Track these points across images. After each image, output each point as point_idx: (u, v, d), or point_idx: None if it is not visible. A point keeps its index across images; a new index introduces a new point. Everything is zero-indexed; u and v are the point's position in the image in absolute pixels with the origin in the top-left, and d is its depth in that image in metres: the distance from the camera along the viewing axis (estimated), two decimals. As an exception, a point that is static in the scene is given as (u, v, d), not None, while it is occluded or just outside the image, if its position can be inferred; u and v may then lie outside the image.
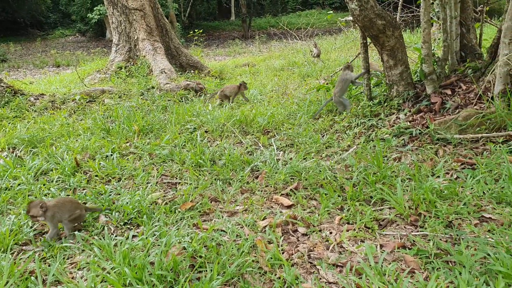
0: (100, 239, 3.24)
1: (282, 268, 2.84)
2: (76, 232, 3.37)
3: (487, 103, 4.99)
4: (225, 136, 5.78)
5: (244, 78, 10.14)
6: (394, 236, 3.15)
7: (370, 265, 2.70)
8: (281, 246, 3.14)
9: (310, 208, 3.71)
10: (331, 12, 11.65)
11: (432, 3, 7.05)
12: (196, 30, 14.23)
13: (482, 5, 7.18)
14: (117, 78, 9.79)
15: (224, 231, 3.38)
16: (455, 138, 4.73)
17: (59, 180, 4.50)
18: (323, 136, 5.51)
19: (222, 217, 3.63)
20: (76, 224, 3.48)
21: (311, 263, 2.92)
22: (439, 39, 6.57)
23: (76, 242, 3.28)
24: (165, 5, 23.13)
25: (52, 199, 3.71)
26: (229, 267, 2.80)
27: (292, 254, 3.03)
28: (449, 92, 5.68)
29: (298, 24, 21.39)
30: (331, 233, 3.27)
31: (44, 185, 4.35)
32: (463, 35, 6.36)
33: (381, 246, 3.04)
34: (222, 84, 9.52)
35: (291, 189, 4.04)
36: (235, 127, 6.02)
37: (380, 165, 4.19)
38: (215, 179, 4.38)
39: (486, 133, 4.74)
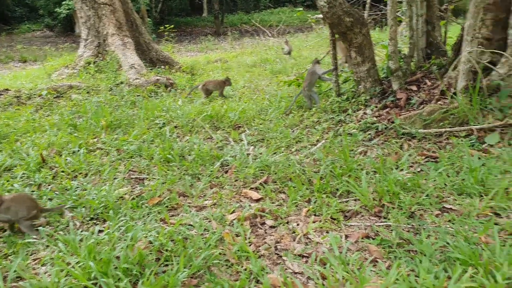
0: (65, 234, 3.19)
1: (248, 260, 2.86)
2: (40, 228, 3.30)
3: (450, 99, 5.14)
4: (195, 132, 5.77)
5: (216, 74, 10.12)
6: (358, 227, 3.22)
7: (335, 255, 2.76)
8: (249, 238, 3.16)
9: (278, 201, 3.75)
10: (301, 9, 11.75)
11: (401, 2, 7.21)
12: (166, 26, 14.09)
13: (447, 4, 7.38)
14: (86, 73, 9.60)
15: (191, 225, 3.37)
16: (420, 132, 4.86)
17: (24, 176, 4.39)
18: (293, 131, 5.56)
19: (190, 211, 3.62)
20: (33, 222, 3.40)
21: (277, 254, 2.96)
22: (405, 36, 6.72)
23: (40, 238, 3.22)
24: (136, 0, 22.78)
25: (10, 194, 3.63)
26: (196, 260, 2.80)
27: (259, 246, 3.05)
28: (414, 88, 5.83)
29: (270, 22, 21.44)
30: (298, 224, 3.31)
31: (7, 181, 4.24)
32: (429, 33, 6.53)
33: (346, 236, 3.10)
34: (193, 80, 9.48)
35: (260, 183, 4.06)
36: (206, 123, 6.01)
37: (346, 158, 4.26)
38: (183, 174, 4.37)
39: (449, 127, 4.88)
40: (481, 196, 3.44)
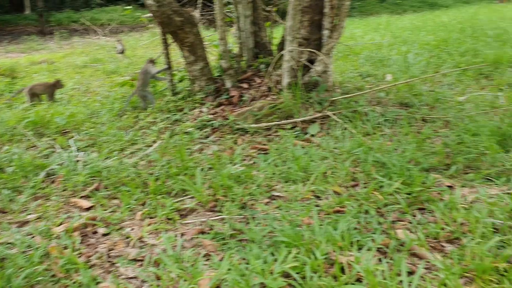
0: None
1: (78, 272, 2.66)
2: None
3: (277, 95, 5.52)
4: (16, 140, 5.18)
5: (41, 77, 9.24)
6: (194, 224, 3.24)
7: (169, 254, 2.73)
8: (78, 250, 2.95)
9: (111, 207, 3.57)
10: (130, 7, 11.44)
11: (229, 3, 7.48)
12: (-22, 23, 12.39)
13: (271, 6, 7.91)
14: None
15: (12, 243, 3.02)
16: (252, 127, 5.12)
17: None
18: (128, 133, 5.35)
19: (10, 228, 3.23)
20: None
21: (110, 262, 2.82)
22: (235, 36, 7.01)
23: None
24: None
25: None
26: (15, 280, 2.51)
27: (91, 256, 2.87)
28: (246, 85, 6.12)
29: (101, 20, 20.38)
30: (132, 229, 3.20)
31: None
32: (256, 33, 6.90)
33: (182, 234, 3.10)
34: (13, 84, 8.50)
35: (91, 191, 3.83)
36: (28, 130, 5.43)
37: (183, 157, 4.26)
38: (2, 188, 3.88)
39: (277, 121, 5.24)
40: (304, 181, 3.76)
